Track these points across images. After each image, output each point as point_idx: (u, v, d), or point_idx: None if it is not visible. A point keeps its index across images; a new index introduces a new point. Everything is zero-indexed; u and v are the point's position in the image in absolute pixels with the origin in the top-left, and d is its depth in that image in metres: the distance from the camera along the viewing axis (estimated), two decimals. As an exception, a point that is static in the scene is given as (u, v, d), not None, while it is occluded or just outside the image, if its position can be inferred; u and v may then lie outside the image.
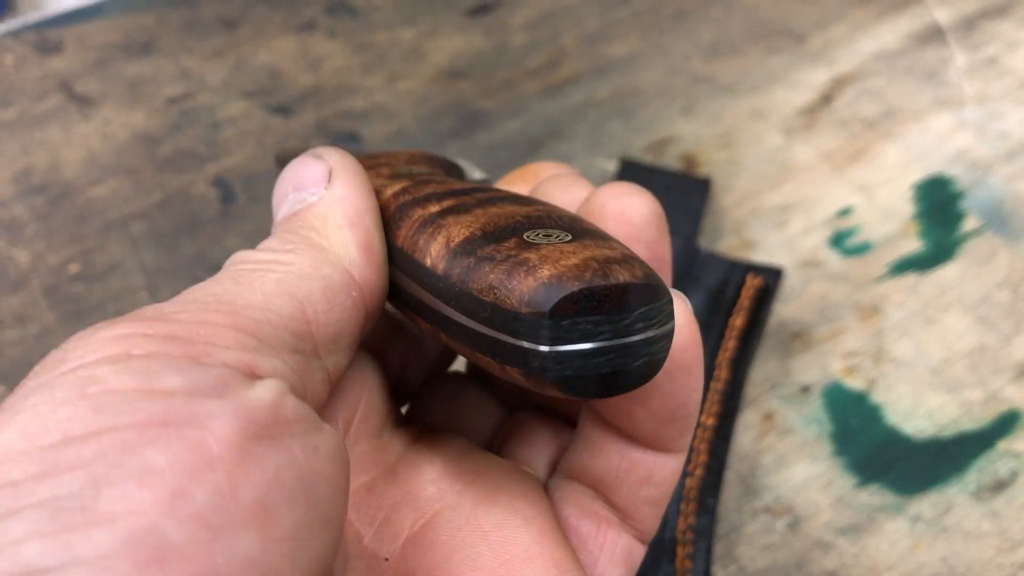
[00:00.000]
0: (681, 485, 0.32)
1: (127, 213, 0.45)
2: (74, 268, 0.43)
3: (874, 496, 0.35)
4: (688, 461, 0.33)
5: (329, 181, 0.22)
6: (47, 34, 0.54)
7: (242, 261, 0.21)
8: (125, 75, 0.52)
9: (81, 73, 0.52)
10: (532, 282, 0.17)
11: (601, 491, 0.23)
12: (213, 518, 0.15)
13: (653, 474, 0.22)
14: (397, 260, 0.21)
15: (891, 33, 0.52)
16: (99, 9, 0.56)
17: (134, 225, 0.44)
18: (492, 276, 0.18)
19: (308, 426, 0.18)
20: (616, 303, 0.17)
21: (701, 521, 0.32)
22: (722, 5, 0.54)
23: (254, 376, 0.17)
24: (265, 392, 0.17)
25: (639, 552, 0.24)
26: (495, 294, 0.18)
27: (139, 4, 0.56)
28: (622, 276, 0.17)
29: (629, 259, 0.18)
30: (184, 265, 0.43)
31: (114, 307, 0.41)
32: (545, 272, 0.17)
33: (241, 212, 0.45)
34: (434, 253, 0.20)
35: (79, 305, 0.41)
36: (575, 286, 0.17)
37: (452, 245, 0.19)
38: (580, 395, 0.17)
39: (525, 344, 0.17)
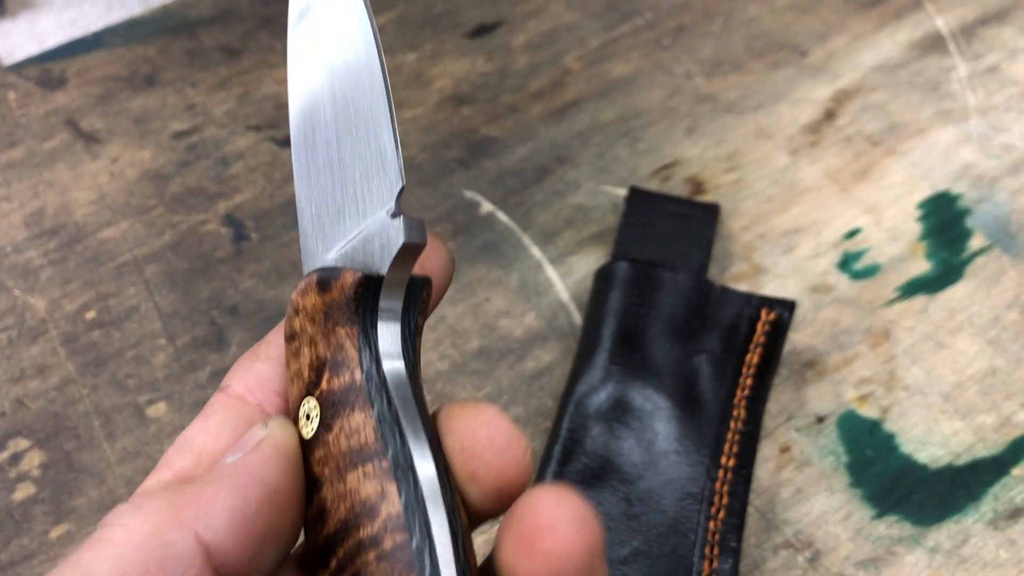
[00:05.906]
0: (705, 529, 0.33)
1: (140, 255, 0.45)
2: (91, 314, 0.43)
3: (892, 528, 0.35)
4: (711, 504, 0.33)
5: (250, 449, 0.21)
6: (49, 67, 0.54)
7: (104, 523, 0.20)
8: (130, 109, 0.52)
9: (86, 108, 0.52)
10: None
11: None
12: None
13: None
14: None
15: (892, 43, 0.53)
16: (99, 40, 0.56)
17: (147, 268, 0.45)
18: None
19: None
20: None
21: (724, 565, 0.32)
22: (722, 18, 0.55)
23: None
24: None
25: None
26: None
27: (140, 34, 0.56)
28: None
29: None
30: (200, 308, 0.43)
31: (133, 353, 0.42)
32: None
33: (254, 251, 0.45)
34: None
35: (99, 353, 0.42)
36: None
37: None
38: None
39: None
